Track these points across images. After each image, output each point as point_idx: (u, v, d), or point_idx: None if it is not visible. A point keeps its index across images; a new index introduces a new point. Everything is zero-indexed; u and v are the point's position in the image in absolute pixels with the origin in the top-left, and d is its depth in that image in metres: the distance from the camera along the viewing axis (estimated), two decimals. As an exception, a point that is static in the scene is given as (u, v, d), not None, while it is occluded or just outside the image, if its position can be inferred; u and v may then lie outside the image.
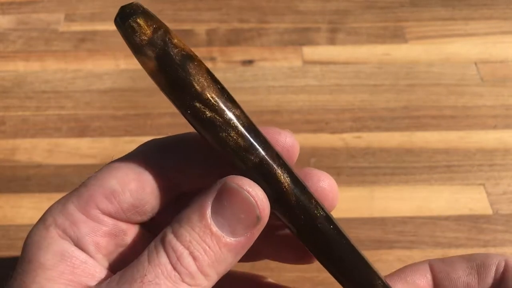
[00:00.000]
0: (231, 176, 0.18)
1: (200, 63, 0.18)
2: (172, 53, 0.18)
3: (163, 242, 0.17)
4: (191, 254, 0.17)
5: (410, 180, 0.38)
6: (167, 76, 0.18)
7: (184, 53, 0.18)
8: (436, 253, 0.35)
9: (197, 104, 0.18)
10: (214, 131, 0.18)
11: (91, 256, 0.19)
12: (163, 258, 0.17)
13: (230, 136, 0.18)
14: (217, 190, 0.18)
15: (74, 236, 0.18)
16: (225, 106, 0.18)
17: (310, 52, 0.47)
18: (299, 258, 0.23)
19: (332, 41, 0.48)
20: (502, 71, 0.45)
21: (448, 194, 0.37)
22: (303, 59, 0.47)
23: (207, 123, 0.18)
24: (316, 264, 0.34)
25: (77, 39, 0.48)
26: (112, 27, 0.49)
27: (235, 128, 0.18)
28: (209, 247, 0.17)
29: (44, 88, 0.44)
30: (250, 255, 0.23)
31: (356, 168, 0.39)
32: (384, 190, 0.38)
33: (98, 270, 0.19)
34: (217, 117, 0.18)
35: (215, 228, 0.17)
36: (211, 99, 0.18)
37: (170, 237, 0.17)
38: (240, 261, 0.24)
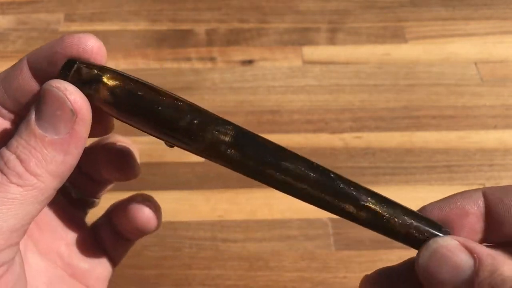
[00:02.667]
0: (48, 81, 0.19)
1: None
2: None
3: None
4: (18, 157, 0.19)
5: (410, 180, 0.38)
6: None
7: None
8: (436, 253, 0.35)
9: None
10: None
11: None
12: None
13: None
14: (38, 97, 0.19)
15: None
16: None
17: (310, 52, 0.47)
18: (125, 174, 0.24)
19: (332, 41, 0.48)
20: (502, 71, 0.45)
21: (448, 194, 0.37)
22: (303, 59, 0.47)
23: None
24: (316, 264, 0.34)
25: (77, 39, 0.48)
26: (111, 27, 0.49)
27: None
28: (34, 148, 0.19)
29: (44, 88, 0.44)
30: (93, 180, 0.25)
31: (356, 168, 0.39)
32: (384, 190, 0.37)
33: None
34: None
35: (38, 131, 0.19)
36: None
37: (1, 150, 0.19)
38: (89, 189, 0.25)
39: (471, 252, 0.18)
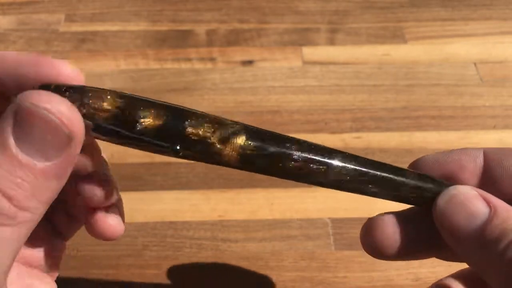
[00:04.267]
0: (25, 93, 0.16)
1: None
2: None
3: None
4: (3, 194, 0.15)
5: (409, 180, 0.38)
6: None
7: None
8: (435, 253, 0.35)
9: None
10: None
11: None
12: None
13: None
14: (13, 113, 0.15)
15: None
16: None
17: (310, 52, 0.47)
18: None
19: (331, 42, 0.48)
20: (501, 71, 0.45)
21: (447, 194, 0.38)
22: (303, 59, 0.47)
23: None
24: (316, 264, 0.34)
25: (77, 39, 0.48)
26: (112, 27, 0.49)
27: None
28: (22, 179, 0.15)
29: (44, 88, 0.44)
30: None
31: (355, 168, 0.39)
32: (384, 190, 0.38)
33: None
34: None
35: (23, 157, 0.15)
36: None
37: None
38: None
39: (487, 202, 0.19)
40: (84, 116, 0.17)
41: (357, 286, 0.33)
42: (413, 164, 0.23)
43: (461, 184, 0.21)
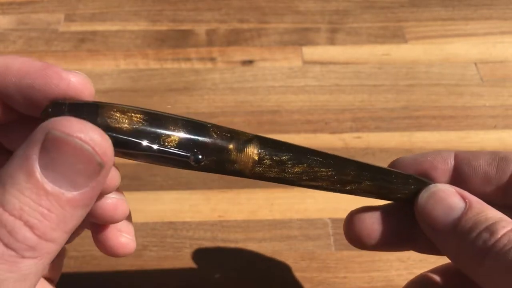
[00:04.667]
0: (54, 120, 0.15)
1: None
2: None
3: None
4: (26, 223, 0.14)
5: (410, 180, 0.38)
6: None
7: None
8: (436, 253, 0.35)
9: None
10: None
11: None
12: None
13: None
14: (41, 141, 0.15)
15: None
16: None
17: (310, 52, 0.47)
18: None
19: (332, 41, 0.48)
20: (501, 71, 0.45)
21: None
22: (303, 59, 0.47)
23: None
24: (316, 264, 0.34)
25: (77, 39, 0.48)
26: (112, 27, 0.49)
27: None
28: (48, 209, 0.15)
29: (44, 88, 0.44)
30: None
31: (356, 168, 0.39)
32: (384, 190, 0.38)
33: None
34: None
35: (49, 186, 0.15)
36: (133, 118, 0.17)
37: None
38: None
39: (463, 197, 0.21)
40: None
41: (357, 286, 0.33)
42: (392, 164, 0.25)
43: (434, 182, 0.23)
